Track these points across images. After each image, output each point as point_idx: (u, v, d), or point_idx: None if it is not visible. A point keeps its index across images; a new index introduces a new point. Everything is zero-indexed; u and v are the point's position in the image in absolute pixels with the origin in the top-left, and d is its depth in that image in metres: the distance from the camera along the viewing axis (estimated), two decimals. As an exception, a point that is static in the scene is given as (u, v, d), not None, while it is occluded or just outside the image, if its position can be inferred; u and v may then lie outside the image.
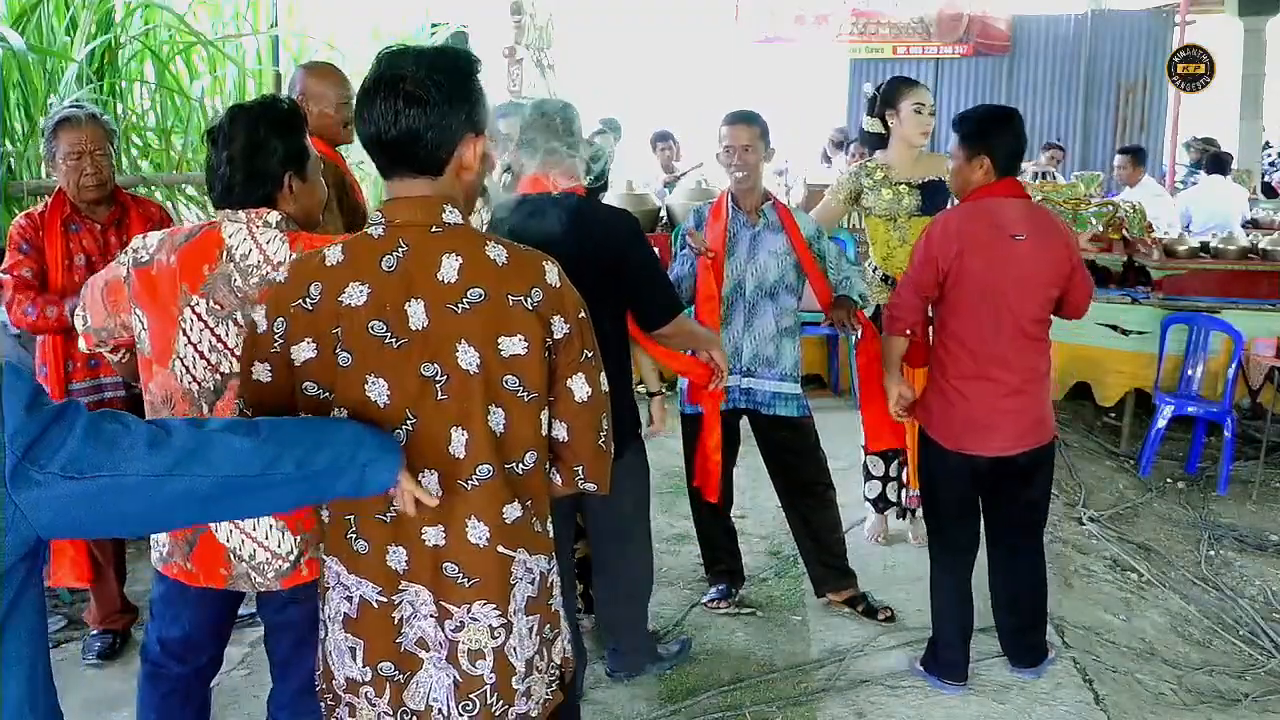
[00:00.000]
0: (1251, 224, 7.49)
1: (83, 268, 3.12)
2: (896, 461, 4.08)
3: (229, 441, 1.30)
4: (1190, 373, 5.28)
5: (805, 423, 3.54)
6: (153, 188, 4.69)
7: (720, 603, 3.69)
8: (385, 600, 1.68)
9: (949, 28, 13.24)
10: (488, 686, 1.70)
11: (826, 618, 3.63)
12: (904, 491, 4.16)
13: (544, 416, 1.71)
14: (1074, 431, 5.81)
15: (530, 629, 1.76)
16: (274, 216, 2.16)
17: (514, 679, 1.73)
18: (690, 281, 3.45)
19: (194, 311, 2.11)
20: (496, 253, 1.66)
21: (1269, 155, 13.05)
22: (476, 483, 1.65)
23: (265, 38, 5.97)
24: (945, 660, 3.18)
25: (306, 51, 6.52)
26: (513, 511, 1.69)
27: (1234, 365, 5.10)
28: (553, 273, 1.70)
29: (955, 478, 3.14)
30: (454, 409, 1.62)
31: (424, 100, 1.61)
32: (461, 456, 1.63)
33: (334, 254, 1.67)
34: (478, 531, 1.66)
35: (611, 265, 2.75)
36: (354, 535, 1.69)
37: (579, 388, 1.73)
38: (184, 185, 5.12)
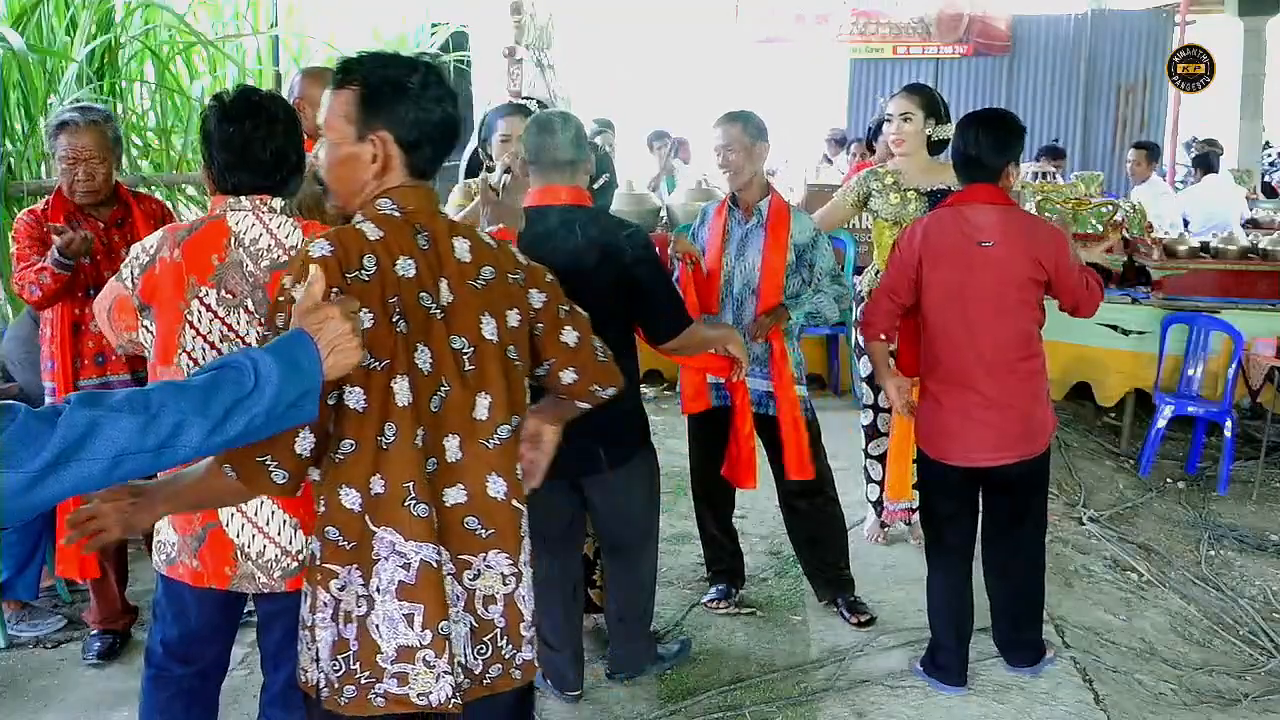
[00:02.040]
0: (1251, 224, 7.49)
1: (87, 265, 3.13)
2: None
3: (117, 422, 1.29)
4: (1190, 373, 5.27)
5: (807, 424, 3.50)
6: (153, 188, 4.69)
7: (720, 603, 3.68)
8: (439, 559, 1.75)
9: (949, 28, 13.23)
10: (499, 630, 1.82)
11: (826, 618, 3.63)
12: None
13: (526, 384, 1.89)
14: (1074, 431, 5.81)
15: (530, 582, 1.89)
16: (278, 203, 2.18)
17: (522, 625, 1.86)
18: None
19: (203, 303, 2.11)
20: (484, 238, 1.87)
21: (1269, 155, 13.05)
22: (497, 442, 1.81)
23: (265, 38, 5.97)
24: (942, 664, 3.18)
25: (306, 51, 6.52)
26: (518, 469, 1.86)
27: (1234, 365, 5.09)
28: (519, 253, 1.93)
29: (944, 483, 3.15)
30: (479, 376, 1.78)
31: None
32: (484, 418, 1.79)
33: (371, 230, 1.73)
34: (497, 486, 1.81)
35: (619, 279, 2.76)
36: (414, 501, 1.72)
37: (570, 336, 1.94)
38: (184, 185, 5.12)
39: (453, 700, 1.74)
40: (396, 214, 1.75)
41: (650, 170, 8.42)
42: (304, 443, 1.66)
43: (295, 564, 2.18)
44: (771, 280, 3.42)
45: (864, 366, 4.03)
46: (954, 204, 3.06)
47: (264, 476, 1.65)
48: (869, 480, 4.19)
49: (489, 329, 1.79)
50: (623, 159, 8.43)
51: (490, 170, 3.72)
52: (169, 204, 4.08)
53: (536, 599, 3.04)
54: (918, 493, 3.49)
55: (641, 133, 9.08)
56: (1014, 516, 3.15)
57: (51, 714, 3.07)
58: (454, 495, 1.77)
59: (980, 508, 3.21)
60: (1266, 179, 11.97)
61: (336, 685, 1.75)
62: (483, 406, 1.78)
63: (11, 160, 4.23)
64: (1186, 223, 7.55)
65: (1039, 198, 6.41)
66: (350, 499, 1.72)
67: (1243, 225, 7.17)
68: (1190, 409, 5.20)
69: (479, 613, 1.80)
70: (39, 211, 3.19)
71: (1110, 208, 6.19)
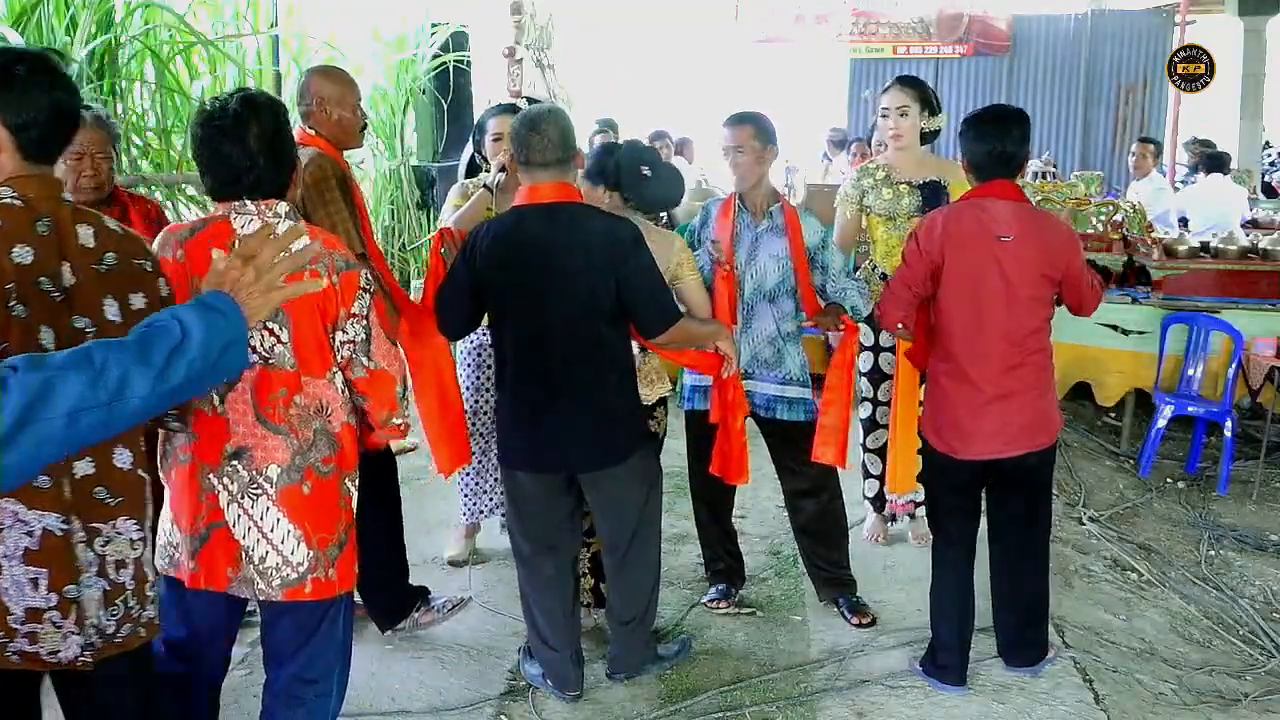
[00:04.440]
0: (1251, 224, 7.48)
1: None
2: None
3: (67, 379, 1.34)
4: (1190, 373, 5.27)
5: (810, 426, 3.51)
6: (153, 188, 4.69)
7: (720, 603, 3.68)
8: (67, 527, 1.86)
9: (949, 27, 13.24)
10: (129, 591, 1.96)
11: (826, 618, 3.63)
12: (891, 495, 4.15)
13: None
14: (1074, 431, 5.81)
15: (155, 544, 2.07)
16: (283, 207, 2.18)
17: (147, 586, 2.02)
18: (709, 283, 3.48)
19: None
20: (113, 224, 1.97)
21: (1269, 155, 13.05)
22: None
23: (265, 38, 5.97)
24: (943, 663, 3.18)
25: (306, 52, 6.53)
26: (141, 443, 2.00)
27: (1234, 365, 5.09)
28: (154, 243, 2.06)
29: (949, 476, 3.16)
30: None
31: None
32: None
33: None
34: (123, 458, 1.95)
35: (610, 274, 2.76)
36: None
37: None
38: (184, 185, 5.12)
39: (80, 658, 1.88)
40: (18, 203, 1.82)
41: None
42: None
43: (295, 575, 2.21)
44: (807, 284, 3.45)
45: (863, 362, 4.03)
46: (973, 199, 3.06)
47: None
48: (867, 475, 4.19)
49: (112, 310, 1.90)
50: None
51: (486, 171, 3.73)
52: (168, 205, 4.08)
53: (536, 599, 3.07)
54: (922, 486, 3.48)
55: (642, 133, 9.08)
56: (1020, 515, 3.15)
57: (52, 714, 3.07)
58: (83, 467, 1.87)
59: (983, 508, 3.21)
60: (1266, 179, 11.97)
61: None
62: None
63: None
64: (1185, 221, 7.54)
65: (1039, 197, 6.41)
66: None
67: (1243, 225, 7.16)
68: (1190, 409, 5.20)
69: (111, 576, 1.92)
70: None
71: (1110, 208, 6.19)
